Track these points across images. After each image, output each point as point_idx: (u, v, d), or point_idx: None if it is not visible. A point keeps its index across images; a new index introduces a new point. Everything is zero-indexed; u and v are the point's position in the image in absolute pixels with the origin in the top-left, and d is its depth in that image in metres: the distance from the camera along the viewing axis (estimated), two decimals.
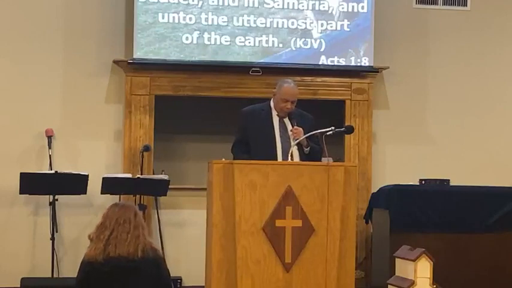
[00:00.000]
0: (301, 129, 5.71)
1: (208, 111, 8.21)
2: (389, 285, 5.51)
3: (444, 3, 8.50)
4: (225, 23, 7.85)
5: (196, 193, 7.56)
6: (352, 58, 8.08)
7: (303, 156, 5.74)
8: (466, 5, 8.54)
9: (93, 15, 7.84)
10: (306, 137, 5.69)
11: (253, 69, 7.90)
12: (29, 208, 7.65)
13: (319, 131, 5.62)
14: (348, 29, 8.07)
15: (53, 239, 7.18)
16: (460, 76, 8.51)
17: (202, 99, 8.07)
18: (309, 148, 5.76)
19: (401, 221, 7.02)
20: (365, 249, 7.99)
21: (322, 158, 5.42)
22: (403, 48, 8.40)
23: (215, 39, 7.84)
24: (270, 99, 5.98)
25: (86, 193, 7.23)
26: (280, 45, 7.96)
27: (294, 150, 5.68)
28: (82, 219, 7.55)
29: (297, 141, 5.65)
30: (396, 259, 5.54)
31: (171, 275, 4.86)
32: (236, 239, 5.15)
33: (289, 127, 5.82)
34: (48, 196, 7.29)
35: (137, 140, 7.78)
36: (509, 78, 8.59)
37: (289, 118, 5.84)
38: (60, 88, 7.79)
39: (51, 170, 7.42)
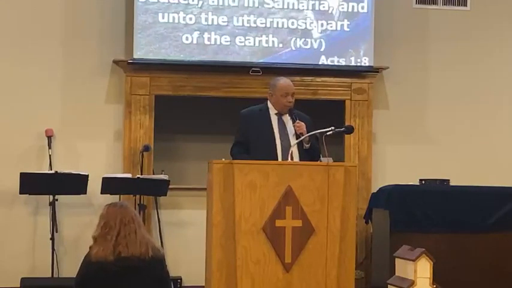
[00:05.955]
0: (303, 123, 5.72)
1: (208, 111, 8.21)
2: (389, 285, 5.50)
3: (444, 3, 8.50)
4: (225, 23, 7.85)
5: (196, 193, 7.55)
6: (352, 58, 8.08)
7: (302, 151, 5.71)
8: (466, 5, 8.54)
9: (93, 15, 7.84)
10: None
11: (253, 69, 7.90)
12: (29, 208, 7.65)
13: (319, 131, 5.62)
14: (348, 29, 8.07)
15: (53, 239, 7.18)
16: (460, 76, 8.51)
17: (202, 99, 8.07)
18: (309, 144, 5.74)
19: (401, 221, 7.02)
20: (365, 249, 7.99)
21: (322, 158, 5.42)
22: (403, 48, 8.39)
23: (215, 39, 7.84)
24: (267, 100, 5.99)
25: (86, 193, 7.23)
26: (280, 45, 7.96)
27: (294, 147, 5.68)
28: (82, 219, 7.54)
29: (300, 139, 5.63)
30: (396, 259, 5.52)
31: (171, 275, 4.87)
32: (236, 239, 5.15)
33: (289, 124, 5.82)
34: (48, 196, 7.29)
35: (137, 140, 7.78)
36: (510, 78, 8.59)
37: (289, 113, 5.85)
38: (60, 88, 7.79)
39: (51, 170, 7.41)
